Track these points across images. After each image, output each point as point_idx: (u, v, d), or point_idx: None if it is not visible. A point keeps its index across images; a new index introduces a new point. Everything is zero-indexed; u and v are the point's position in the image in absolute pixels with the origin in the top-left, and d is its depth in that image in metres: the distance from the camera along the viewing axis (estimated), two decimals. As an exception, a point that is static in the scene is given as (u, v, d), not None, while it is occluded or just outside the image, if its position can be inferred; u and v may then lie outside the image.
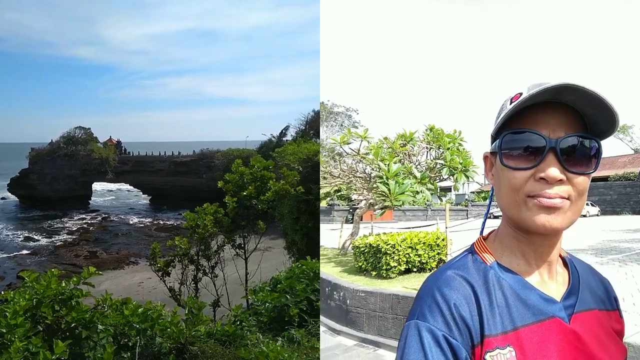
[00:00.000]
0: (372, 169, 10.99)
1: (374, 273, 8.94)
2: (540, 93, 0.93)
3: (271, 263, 11.43)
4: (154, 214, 42.12)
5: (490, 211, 1.32)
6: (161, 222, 38.14)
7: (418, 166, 10.78)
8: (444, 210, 11.00)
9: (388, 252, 8.65)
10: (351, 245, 10.79)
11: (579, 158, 0.96)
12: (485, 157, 1.11)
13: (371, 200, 11.11)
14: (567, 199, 0.95)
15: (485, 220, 1.26)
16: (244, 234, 9.96)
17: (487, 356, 0.92)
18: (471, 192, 36.92)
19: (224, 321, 5.30)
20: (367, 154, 11.03)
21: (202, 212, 10.31)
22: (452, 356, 0.89)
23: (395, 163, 9.75)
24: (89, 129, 46.82)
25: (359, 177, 11.88)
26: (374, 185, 10.24)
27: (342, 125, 40.02)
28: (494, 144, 1.04)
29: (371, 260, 9.03)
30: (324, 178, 14.58)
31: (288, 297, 4.61)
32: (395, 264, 8.67)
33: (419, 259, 8.86)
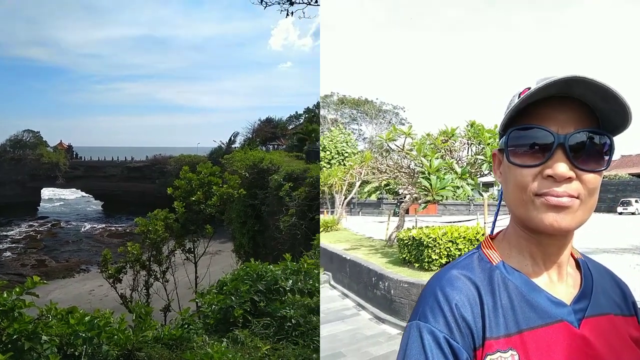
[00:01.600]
0: (416, 165, 11.03)
1: (416, 265, 8.97)
2: (547, 86, 0.86)
3: (221, 266, 11.36)
4: (106, 220, 40.40)
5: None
6: (113, 228, 36.66)
7: (459, 161, 10.79)
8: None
9: (429, 245, 8.68)
10: (396, 238, 10.80)
11: (589, 155, 0.89)
12: (494, 155, 1.05)
13: (415, 195, 11.07)
14: (577, 197, 0.87)
15: (495, 219, 1.21)
16: (194, 238, 9.88)
17: (488, 359, 0.87)
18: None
19: (172, 325, 5.26)
20: (410, 150, 11.12)
21: (154, 218, 10.15)
22: (453, 358, 0.85)
23: (436, 158, 9.78)
24: (38, 132, 44.47)
25: (404, 172, 11.99)
26: (418, 180, 10.26)
27: (390, 122, 40.77)
28: (501, 140, 0.98)
29: (414, 252, 9.06)
30: (373, 173, 14.61)
31: (233, 298, 4.65)
32: (437, 257, 8.69)
33: (459, 253, 8.86)
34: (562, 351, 0.88)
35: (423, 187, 9.65)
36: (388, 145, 11.92)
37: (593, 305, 0.96)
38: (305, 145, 23.99)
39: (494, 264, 0.97)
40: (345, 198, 19.60)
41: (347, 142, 29.05)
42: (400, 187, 13.15)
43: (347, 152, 27.75)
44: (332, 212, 21.15)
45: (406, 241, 9.39)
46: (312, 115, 33.56)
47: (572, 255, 1.03)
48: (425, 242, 8.76)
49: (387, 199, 29.12)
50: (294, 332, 3.93)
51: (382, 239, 13.26)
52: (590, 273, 1.03)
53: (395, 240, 11.08)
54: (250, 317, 4.37)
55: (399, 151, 11.71)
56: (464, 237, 9.16)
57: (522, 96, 0.89)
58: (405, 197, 12.23)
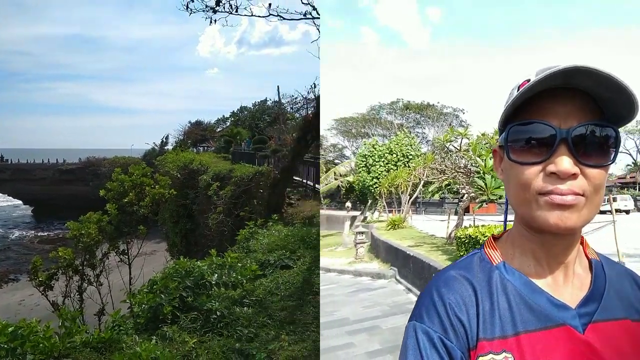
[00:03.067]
0: (472, 165, 10.96)
1: None
2: (548, 78, 0.79)
3: (155, 265, 11.07)
4: (37, 226, 37.54)
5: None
6: (44, 234, 34.17)
7: (515, 160, 11.05)
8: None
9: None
10: (455, 236, 10.79)
11: (594, 149, 0.81)
12: (494, 152, 0.97)
13: (472, 194, 10.89)
14: (582, 195, 0.80)
15: (505, 219, 1.13)
16: (128, 239, 9.59)
17: None
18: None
19: (102, 328, 5.14)
20: (467, 150, 11.02)
21: (87, 221, 9.76)
22: (448, 358, 0.81)
23: (491, 158, 9.73)
24: (-43, 133, 40.19)
25: (461, 172, 11.89)
26: (473, 180, 10.16)
27: (450, 124, 41.03)
28: (500, 136, 0.90)
29: (470, 250, 8.97)
30: (434, 174, 14.54)
31: (163, 296, 4.63)
32: None
33: None
34: (561, 357, 0.81)
35: (478, 187, 9.66)
36: (447, 147, 12.02)
37: (603, 309, 0.87)
38: (231, 147, 24.45)
39: (495, 264, 0.92)
40: (410, 198, 20.00)
41: (411, 145, 29.84)
42: (459, 186, 13.32)
43: (411, 155, 28.49)
44: (399, 211, 21.60)
45: (463, 239, 9.35)
46: (237, 119, 33.91)
47: (586, 255, 0.95)
48: (481, 241, 8.72)
49: (448, 198, 29.99)
50: (219, 323, 4.01)
51: (443, 236, 13.39)
52: (605, 274, 0.93)
53: (454, 239, 11.17)
54: (179, 313, 4.39)
55: (457, 152, 11.86)
56: None
57: (521, 89, 0.82)
58: (463, 197, 12.23)
